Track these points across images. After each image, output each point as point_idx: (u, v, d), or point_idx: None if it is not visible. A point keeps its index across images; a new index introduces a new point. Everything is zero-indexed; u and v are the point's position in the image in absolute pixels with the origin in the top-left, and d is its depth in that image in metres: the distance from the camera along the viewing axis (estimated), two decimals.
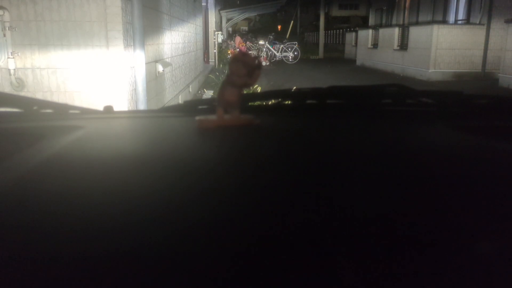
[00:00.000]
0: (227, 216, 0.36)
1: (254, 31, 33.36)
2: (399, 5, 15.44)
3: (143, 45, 3.35)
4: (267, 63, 15.22)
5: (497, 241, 0.32)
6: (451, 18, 12.67)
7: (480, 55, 10.82)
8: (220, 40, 15.07)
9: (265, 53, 16.35)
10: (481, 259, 0.30)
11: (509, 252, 0.31)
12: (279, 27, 36.81)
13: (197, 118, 0.69)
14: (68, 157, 0.53)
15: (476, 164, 0.52)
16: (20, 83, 3.03)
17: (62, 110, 0.97)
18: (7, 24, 2.91)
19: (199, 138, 0.64)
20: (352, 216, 0.36)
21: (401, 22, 14.20)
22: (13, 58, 2.97)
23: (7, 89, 2.99)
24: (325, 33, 23.54)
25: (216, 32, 13.76)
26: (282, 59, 16.51)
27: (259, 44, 17.35)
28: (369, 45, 15.65)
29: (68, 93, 3.07)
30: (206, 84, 9.14)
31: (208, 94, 7.80)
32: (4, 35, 2.91)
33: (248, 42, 18.12)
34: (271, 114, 0.85)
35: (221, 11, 18.24)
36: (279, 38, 21.02)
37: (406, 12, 14.01)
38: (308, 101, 0.89)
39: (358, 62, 16.49)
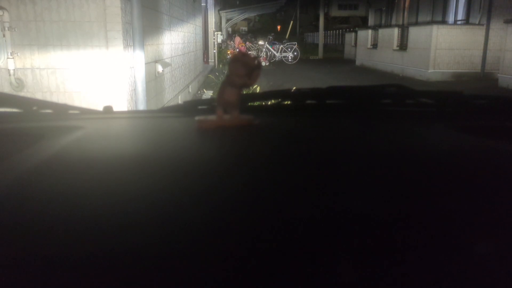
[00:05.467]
0: (227, 216, 0.36)
1: (254, 31, 33.39)
2: (398, 5, 15.44)
3: (142, 45, 3.35)
4: (267, 63, 15.22)
5: (496, 241, 0.32)
6: (451, 19, 12.68)
7: (480, 55, 10.83)
8: (219, 40, 15.06)
9: (264, 53, 16.36)
10: (480, 260, 0.30)
11: (509, 252, 0.31)
12: (278, 27, 36.81)
13: (197, 118, 0.69)
14: (68, 157, 0.53)
15: (476, 164, 0.52)
16: (20, 83, 3.03)
17: (62, 110, 0.97)
18: (6, 25, 2.91)
19: (199, 138, 0.64)
20: (352, 216, 0.36)
21: (400, 23, 14.20)
22: (13, 58, 2.97)
23: (7, 89, 2.99)
24: (324, 33, 23.57)
25: (215, 32, 13.75)
26: (282, 59, 16.52)
27: (258, 44, 17.37)
28: (369, 46, 15.66)
29: (67, 93, 3.07)
30: (205, 84, 9.14)
31: (208, 94, 7.80)
32: (4, 36, 2.91)
33: (247, 42, 18.14)
34: (270, 114, 0.85)
35: (220, 11, 18.23)
36: (278, 38, 21.04)
37: (406, 13, 14.02)
38: (308, 101, 0.89)
39: (358, 63, 16.50)
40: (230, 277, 0.27)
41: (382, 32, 14.66)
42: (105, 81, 3.08)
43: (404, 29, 12.82)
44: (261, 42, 17.48)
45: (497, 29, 10.25)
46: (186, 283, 0.27)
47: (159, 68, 4.40)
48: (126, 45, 3.14)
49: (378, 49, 14.68)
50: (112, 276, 0.27)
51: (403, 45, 12.67)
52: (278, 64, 15.62)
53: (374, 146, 0.60)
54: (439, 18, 13.14)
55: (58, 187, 0.42)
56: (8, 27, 2.91)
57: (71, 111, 0.94)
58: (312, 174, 0.47)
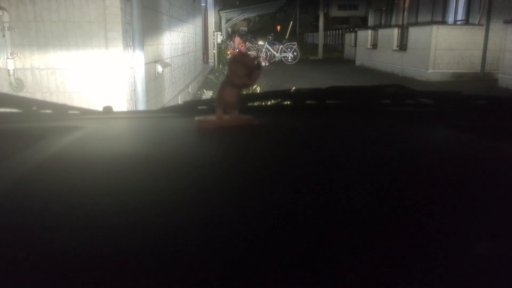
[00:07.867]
0: (226, 216, 0.36)
1: (254, 32, 33.42)
2: (398, 5, 15.45)
3: (142, 45, 3.35)
4: (267, 64, 15.22)
5: (496, 242, 0.32)
6: (450, 19, 12.68)
7: (479, 55, 10.83)
8: (219, 40, 15.06)
9: (264, 53, 16.36)
10: (480, 260, 0.30)
11: (509, 252, 0.31)
12: (278, 27, 36.82)
13: (197, 118, 0.69)
14: (68, 157, 0.53)
15: (475, 164, 0.52)
16: (20, 84, 3.03)
17: (62, 110, 0.97)
18: (6, 25, 2.91)
19: (199, 138, 0.64)
20: (352, 216, 0.36)
21: (400, 23, 14.21)
22: (12, 58, 2.97)
23: (6, 90, 2.99)
24: (324, 33, 23.58)
25: (215, 33, 13.76)
26: (282, 60, 16.52)
27: (258, 45, 17.38)
28: (369, 46, 15.67)
29: (67, 93, 3.07)
30: (205, 85, 9.14)
31: (208, 94, 7.80)
32: (4, 36, 2.91)
33: (247, 43, 18.15)
34: (270, 115, 0.85)
35: (220, 12, 18.23)
36: (278, 38, 21.06)
37: (405, 13, 14.02)
38: (308, 102, 0.89)
39: (358, 63, 16.50)
40: (230, 275, 0.27)
41: (382, 32, 14.66)
42: (104, 81, 3.08)
43: (404, 29, 12.82)
44: (260, 42, 17.49)
45: (497, 29, 10.25)
46: (186, 282, 0.27)
47: (159, 68, 4.40)
48: (126, 46, 3.14)
49: (378, 49, 14.68)
50: (112, 276, 0.27)
51: (403, 45, 12.67)
52: (278, 65, 15.62)
53: (374, 146, 0.60)
54: (439, 19, 13.13)
55: (58, 187, 0.42)
56: (8, 27, 2.91)
57: (70, 112, 0.94)
58: (312, 174, 0.47)
